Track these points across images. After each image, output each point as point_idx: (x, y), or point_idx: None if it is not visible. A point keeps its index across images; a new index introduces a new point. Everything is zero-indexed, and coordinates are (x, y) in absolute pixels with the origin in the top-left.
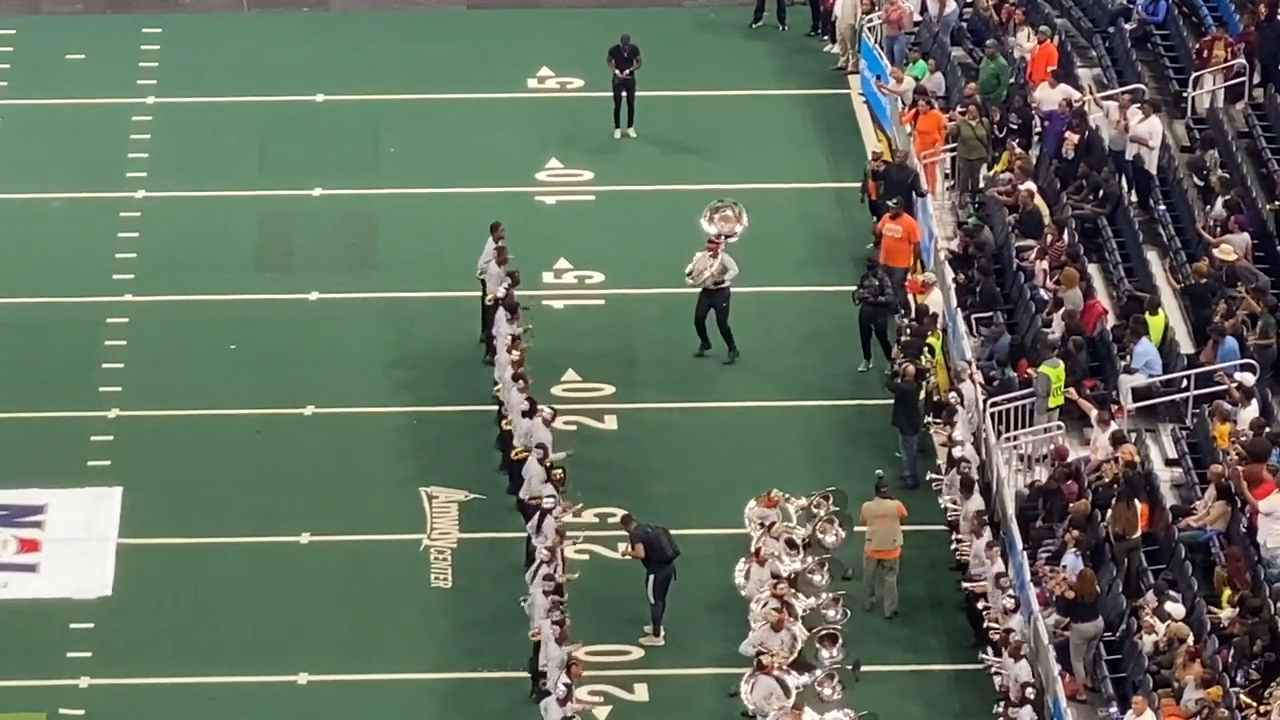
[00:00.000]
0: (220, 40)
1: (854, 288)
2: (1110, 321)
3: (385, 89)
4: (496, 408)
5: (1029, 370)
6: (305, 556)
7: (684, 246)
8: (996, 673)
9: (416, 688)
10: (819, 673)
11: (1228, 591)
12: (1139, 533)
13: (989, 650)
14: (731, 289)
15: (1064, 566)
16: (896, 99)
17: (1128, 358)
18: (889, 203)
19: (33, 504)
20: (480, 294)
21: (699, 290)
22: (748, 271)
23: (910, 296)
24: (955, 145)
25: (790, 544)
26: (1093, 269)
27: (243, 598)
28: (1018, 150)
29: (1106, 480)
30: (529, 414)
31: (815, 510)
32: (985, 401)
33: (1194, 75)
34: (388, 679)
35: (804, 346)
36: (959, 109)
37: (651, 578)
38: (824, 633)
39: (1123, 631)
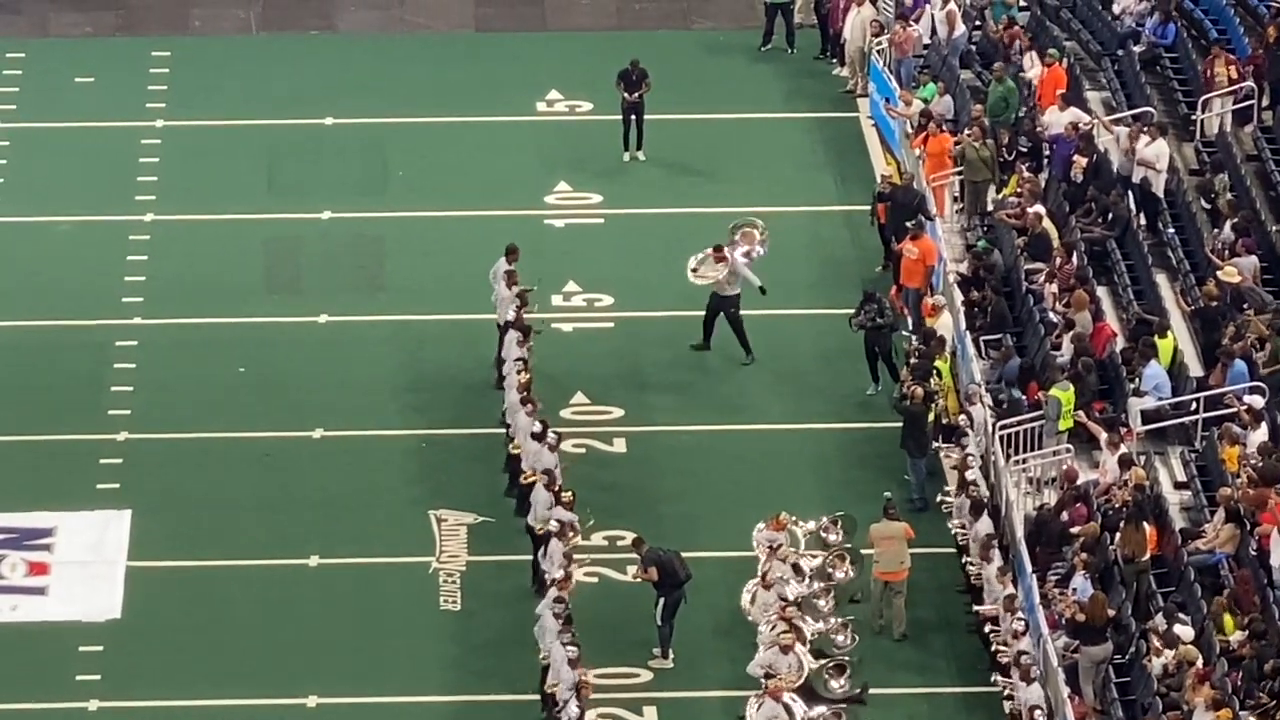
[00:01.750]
0: (229, 63)
1: (851, 313)
2: (1119, 344)
3: (394, 112)
4: (505, 430)
5: (1039, 394)
6: (314, 579)
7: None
8: (1008, 696)
9: (425, 710)
10: (826, 710)
11: (1230, 620)
12: (1148, 555)
13: (1000, 673)
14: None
15: (1073, 590)
16: (905, 122)
17: (1137, 380)
18: (908, 224)
19: (42, 527)
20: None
21: (710, 293)
22: (757, 294)
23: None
24: (961, 168)
25: (796, 569)
26: (1101, 292)
27: (252, 620)
28: (1026, 173)
29: (1116, 503)
30: (539, 437)
31: (824, 535)
32: (994, 424)
33: (1203, 98)
34: (397, 701)
35: (813, 369)
36: (966, 131)
37: (662, 601)
38: (833, 663)
39: (1132, 654)
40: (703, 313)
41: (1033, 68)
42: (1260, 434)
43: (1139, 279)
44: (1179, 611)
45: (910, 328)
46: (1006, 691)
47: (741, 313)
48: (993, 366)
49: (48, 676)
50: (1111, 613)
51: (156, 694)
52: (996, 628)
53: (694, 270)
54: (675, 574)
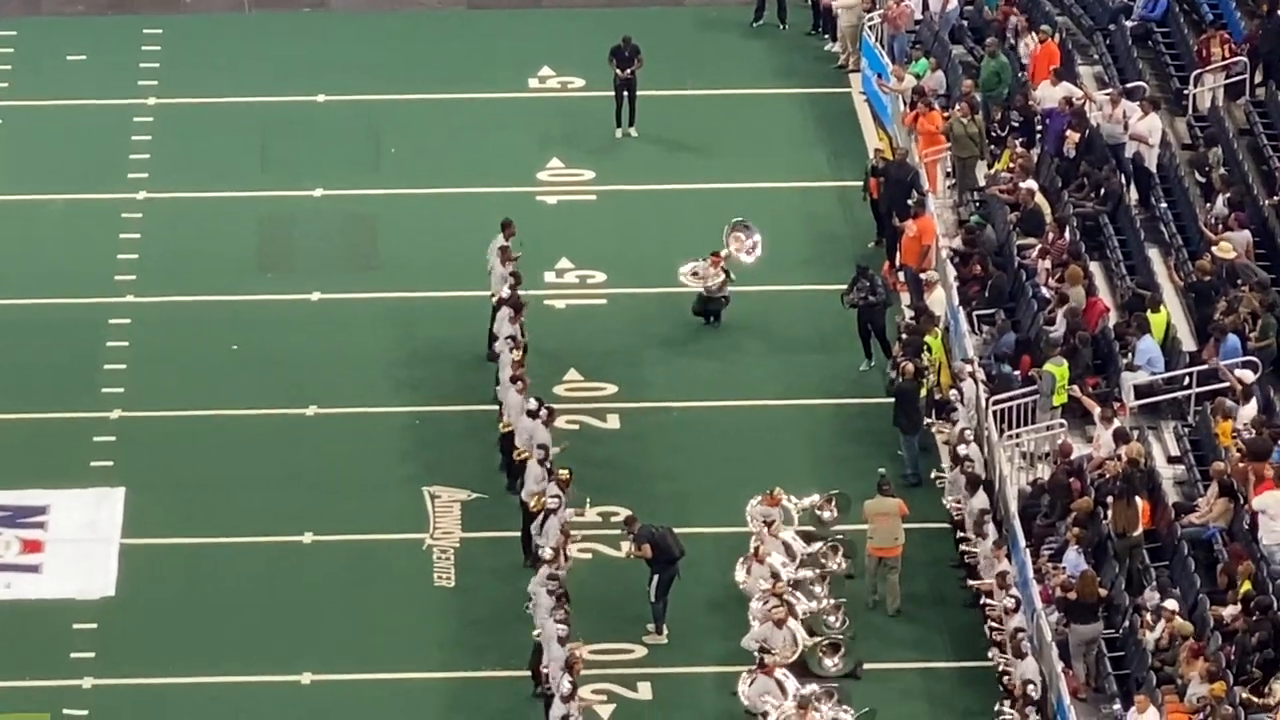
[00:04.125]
0: (221, 41)
1: (843, 289)
2: (1112, 319)
3: (386, 89)
4: (498, 407)
5: (1032, 370)
6: (308, 556)
7: (685, 246)
8: (1006, 671)
9: (420, 687)
10: (817, 687)
11: (1247, 584)
12: (1139, 530)
13: (996, 649)
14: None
15: (1063, 567)
16: (897, 97)
17: (1130, 355)
18: (908, 202)
19: (36, 505)
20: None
21: (697, 294)
22: (751, 271)
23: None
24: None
25: (787, 549)
26: (1094, 267)
27: (246, 598)
28: (1018, 149)
29: (1108, 478)
30: (533, 414)
31: (818, 512)
32: (988, 400)
33: (1195, 73)
34: (391, 678)
35: (806, 345)
36: (955, 107)
37: (656, 577)
38: (827, 641)
39: (1126, 629)
40: (694, 288)
41: (1029, 47)
42: (1250, 409)
43: (1131, 254)
44: (1171, 586)
45: (904, 304)
46: (1002, 667)
47: (733, 289)
48: (986, 341)
49: (42, 654)
50: (1103, 592)
51: (151, 671)
52: (992, 602)
53: (694, 273)
54: (669, 550)
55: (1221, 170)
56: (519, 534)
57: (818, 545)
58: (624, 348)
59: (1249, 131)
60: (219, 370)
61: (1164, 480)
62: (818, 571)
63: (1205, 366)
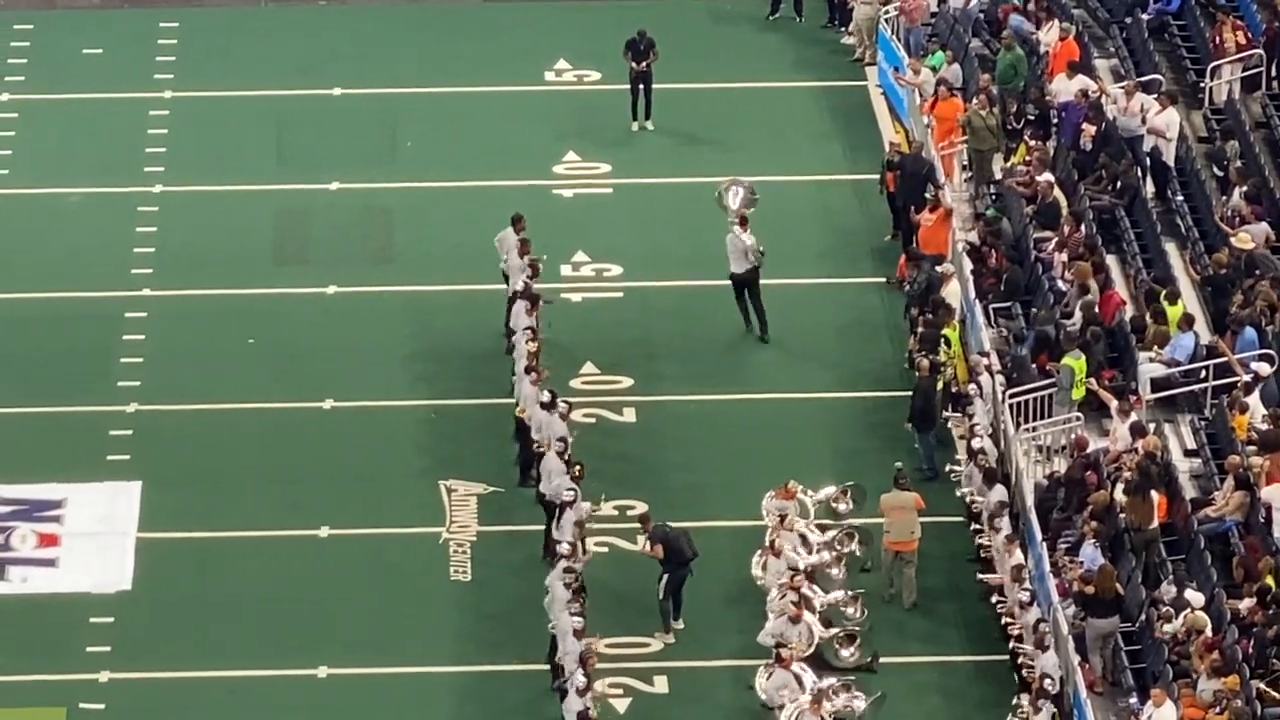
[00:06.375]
0: (237, 34)
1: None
2: (1129, 312)
3: (402, 82)
4: (514, 399)
5: (1050, 364)
6: (324, 550)
7: (702, 239)
8: (1027, 664)
9: (436, 680)
10: (836, 680)
11: (1270, 580)
12: (1155, 524)
13: (1013, 642)
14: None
15: (1080, 561)
16: (914, 90)
17: (1156, 352)
18: (925, 195)
19: (52, 499)
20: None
21: (730, 278)
22: (767, 263)
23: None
24: (968, 136)
25: (803, 539)
26: (1111, 260)
27: (262, 591)
28: (1033, 142)
29: (1125, 471)
30: (548, 407)
31: (834, 505)
32: (1005, 393)
33: (1211, 65)
34: (407, 672)
35: (822, 338)
36: (973, 99)
37: (665, 576)
38: (843, 632)
39: (1142, 623)
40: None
41: (1049, 33)
42: (1253, 399)
43: (1148, 247)
44: (1187, 580)
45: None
46: (1021, 659)
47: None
48: (1003, 334)
49: (58, 648)
50: (1120, 588)
51: (167, 665)
52: (1002, 597)
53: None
54: (681, 552)
55: (1238, 163)
56: (533, 528)
57: (833, 533)
58: (640, 341)
59: (1265, 125)
60: (235, 364)
61: (1180, 474)
62: (834, 554)
63: (1222, 359)
